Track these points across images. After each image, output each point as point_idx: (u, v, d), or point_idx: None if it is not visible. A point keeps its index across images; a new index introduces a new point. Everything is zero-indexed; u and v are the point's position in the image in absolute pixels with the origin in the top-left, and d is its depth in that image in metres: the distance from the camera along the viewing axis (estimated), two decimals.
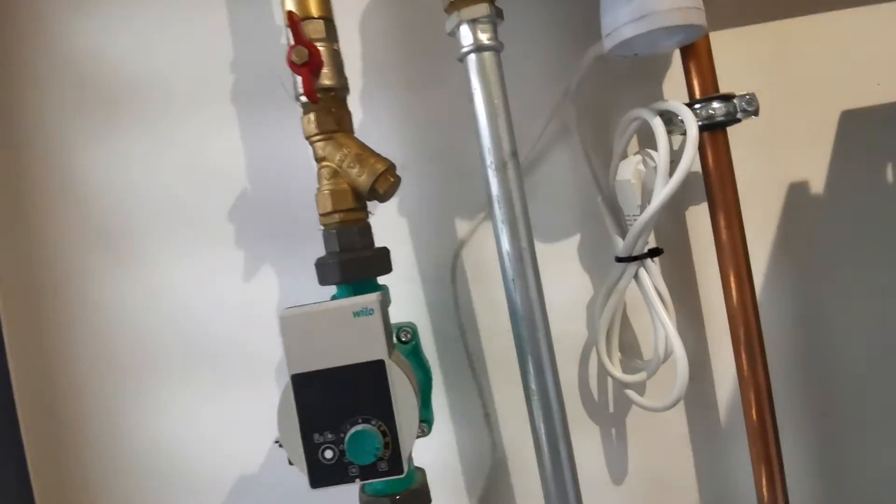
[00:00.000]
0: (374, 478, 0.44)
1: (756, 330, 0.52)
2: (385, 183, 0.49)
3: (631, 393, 0.57)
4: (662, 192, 0.48)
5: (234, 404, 0.61)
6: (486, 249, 0.60)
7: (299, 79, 0.48)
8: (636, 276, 0.54)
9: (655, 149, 0.50)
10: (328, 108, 0.49)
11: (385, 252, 0.51)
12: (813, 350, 0.60)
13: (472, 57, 0.48)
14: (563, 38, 0.59)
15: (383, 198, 0.50)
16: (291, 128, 0.57)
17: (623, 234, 0.55)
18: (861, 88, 0.58)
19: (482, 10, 0.47)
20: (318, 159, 0.50)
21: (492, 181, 0.49)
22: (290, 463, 0.45)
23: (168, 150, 0.60)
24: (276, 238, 0.60)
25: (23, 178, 0.60)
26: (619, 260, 0.54)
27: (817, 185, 0.59)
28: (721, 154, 0.51)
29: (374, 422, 0.44)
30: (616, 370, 0.56)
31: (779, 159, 0.59)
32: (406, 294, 0.60)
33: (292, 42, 0.48)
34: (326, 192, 0.49)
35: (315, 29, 0.49)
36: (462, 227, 0.60)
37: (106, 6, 0.60)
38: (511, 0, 0.50)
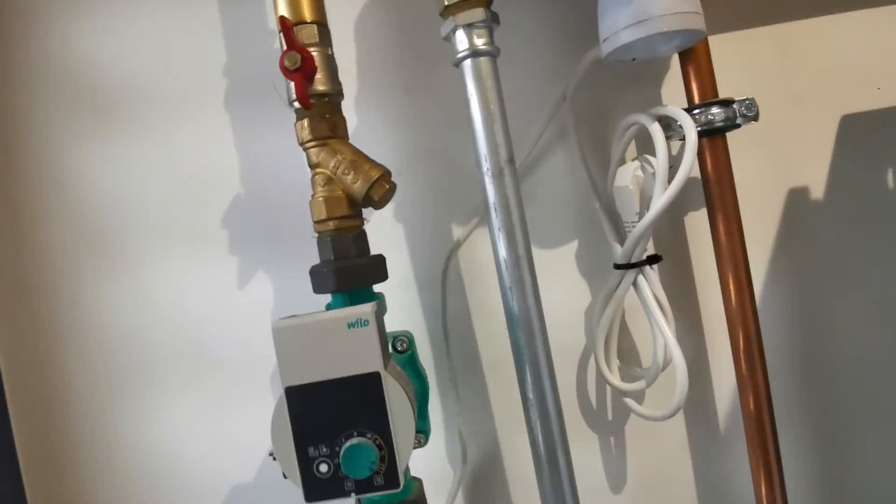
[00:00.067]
0: (370, 492, 0.44)
1: (756, 335, 0.52)
2: (380, 190, 0.48)
3: (630, 401, 0.56)
4: (661, 199, 0.48)
5: (228, 411, 0.60)
6: (482, 254, 0.59)
7: (293, 84, 0.48)
8: (635, 284, 0.53)
9: (654, 154, 0.50)
10: (322, 113, 0.49)
11: (381, 259, 0.51)
12: (812, 354, 0.59)
13: (468, 62, 0.48)
14: (559, 42, 0.58)
15: (378, 205, 0.49)
16: (285, 132, 0.57)
17: (621, 241, 0.54)
18: (861, 92, 0.58)
19: (478, 14, 0.47)
20: (312, 166, 0.49)
21: (488, 188, 0.48)
22: (285, 476, 0.45)
23: (162, 154, 0.60)
24: (270, 244, 0.60)
25: (15, 182, 0.59)
26: (618, 267, 0.54)
27: (817, 189, 0.58)
28: (720, 160, 0.51)
29: (369, 435, 0.43)
30: (615, 379, 0.56)
31: (779, 164, 0.58)
32: (402, 301, 0.60)
33: (285, 47, 0.47)
34: (321, 199, 0.48)
35: (308, 34, 0.48)
36: (458, 232, 0.60)
37: (99, 10, 0.59)
38: (507, 3, 0.49)
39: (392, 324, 0.53)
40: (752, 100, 0.49)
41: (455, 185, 0.59)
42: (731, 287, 0.52)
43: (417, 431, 0.49)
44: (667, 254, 0.57)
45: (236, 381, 0.60)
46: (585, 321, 0.60)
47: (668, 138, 0.50)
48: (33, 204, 0.60)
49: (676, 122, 0.49)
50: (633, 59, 0.51)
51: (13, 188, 0.59)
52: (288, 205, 0.59)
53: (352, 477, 0.43)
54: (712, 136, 0.51)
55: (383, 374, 0.43)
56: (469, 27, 0.47)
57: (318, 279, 0.48)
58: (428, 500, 0.51)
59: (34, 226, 0.60)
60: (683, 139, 0.49)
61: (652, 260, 0.53)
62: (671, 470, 0.60)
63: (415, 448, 0.46)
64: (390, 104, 0.59)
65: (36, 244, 0.60)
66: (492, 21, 0.48)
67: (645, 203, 0.51)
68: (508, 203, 0.48)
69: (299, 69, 0.47)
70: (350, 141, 0.50)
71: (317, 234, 0.49)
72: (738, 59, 0.56)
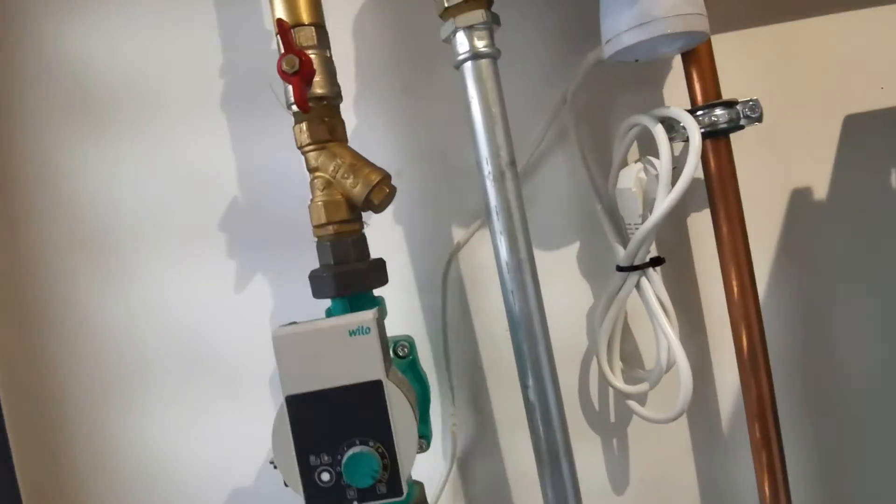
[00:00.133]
0: (373, 500, 0.43)
1: (759, 337, 0.52)
2: (380, 194, 0.48)
3: (633, 404, 0.56)
4: (665, 201, 0.47)
5: (225, 416, 0.60)
6: (482, 256, 0.59)
7: (290, 87, 0.47)
8: (638, 286, 0.53)
9: (656, 155, 0.49)
10: (321, 117, 0.48)
11: (381, 263, 0.50)
12: (816, 356, 0.59)
13: (468, 65, 0.47)
14: (558, 43, 0.58)
15: (378, 209, 0.49)
16: (283, 134, 0.56)
17: (623, 243, 0.54)
18: (864, 92, 0.57)
19: (478, 16, 0.46)
20: (311, 169, 0.49)
21: (490, 191, 0.48)
22: (286, 485, 0.44)
23: (157, 156, 0.59)
24: (268, 247, 0.59)
25: (9, 185, 0.59)
26: (620, 269, 0.53)
27: (820, 190, 0.58)
28: (724, 162, 0.50)
29: (371, 443, 0.43)
30: (618, 381, 0.55)
31: (781, 164, 0.58)
32: (402, 304, 0.59)
33: (283, 50, 0.47)
34: (320, 203, 0.48)
35: (306, 36, 0.47)
36: (459, 234, 0.59)
37: (93, 10, 0.58)
38: (504, 4, 0.48)
39: (392, 327, 0.52)
40: (756, 101, 0.49)
41: (455, 186, 0.58)
42: (735, 288, 0.52)
43: (419, 437, 0.49)
44: (668, 255, 0.57)
45: (231, 386, 0.60)
46: (587, 323, 0.59)
47: (670, 140, 0.49)
48: (27, 206, 0.59)
49: (679, 123, 0.49)
50: (636, 61, 0.50)
51: (6, 189, 0.59)
52: (284, 208, 0.58)
53: (354, 486, 0.43)
54: (716, 138, 0.50)
55: (385, 382, 0.43)
56: (469, 29, 0.46)
57: (318, 284, 0.48)
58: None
59: (28, 227, 0.59)
60: (686, 140, 0.49)
61: (655, 262, 0.53)
62: (674, 471, 0.60)
63: (417, 453, 0.46)
64: (389, 105, 0.58)
65: (29, 246, 0.59)
66: (492, 23, 0.47)
67: (648, 205, 0.51)
68: (510, 206, 0.48)
69: (297, 73, 0.46)
70: (349, 143, 0.50)
71: (316, 239, 0.49)
72: (739, 59, 0.56)
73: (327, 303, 0.50)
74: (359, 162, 0.48)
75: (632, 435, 0.60)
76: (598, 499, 0.60)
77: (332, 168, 0.48)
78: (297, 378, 0.43)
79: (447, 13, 0.47)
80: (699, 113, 0.49)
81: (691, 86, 0.51)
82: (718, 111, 0.49)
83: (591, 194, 0.57)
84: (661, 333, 0.52)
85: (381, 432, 0.43)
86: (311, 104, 0.47)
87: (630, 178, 0.51)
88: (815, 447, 0.60)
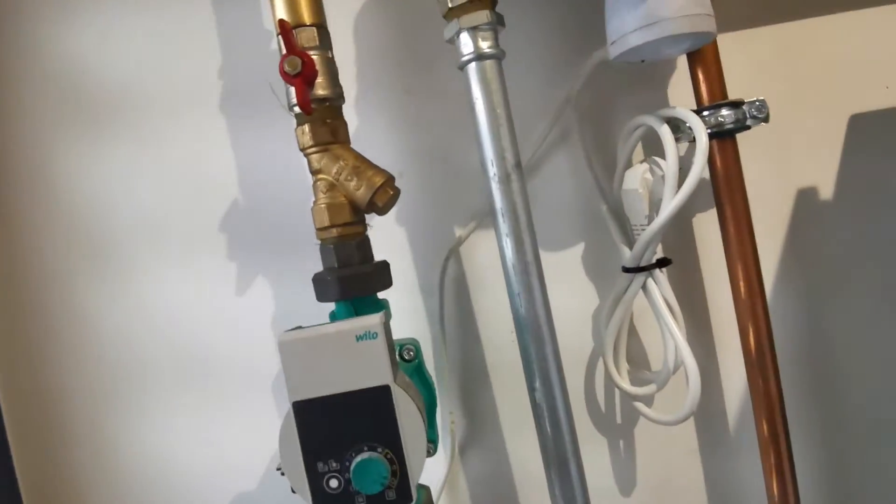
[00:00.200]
0: None
1: (768, 339, 0.51)
2: (384, 196, 0.47)
3: (640, 406, 0.56)
4: (672, 202, 0.47)
5: (225, 419, 0.60)
6: (485, 256, 0.58)
7: (292, 89, 0.47)
8: (644, 287, 0.53)
9: (661, 156, 0.49)
10: (323, 118, 0.48)
11: (385, 266, 0.50)
12: (823, 356, 0.59)
13: (472, 66, 0.47)
14: (560, 43, 0.57)
15: (382, 211, 0.48)
16: (283, 136, 0.56)
17: (629, 244, 0.53)
18: (869, 92, 0.57)
19: (483, 17, 0.46)
20: (314, 172, 0.48)
21: (495, 193, 0.48)
22: (293, 491, 0.44)
23: (156, 158, 0.59)
24: (269, 249, 0.59)
25: (5, 188, 0.58)
26: (627, 270, 0.53)
27: (826, 189, 0.58)
28: (730, 162, 0.50)
29: (380, 449, 0.42)
30: (624, 382, 0.55)
31: (787, 164, 0.58)
32: (405, 306, 0.59)
33: (284, 51, 0.46)
34: (323, 205, 0.47)
35: (308, 37, 0.47)
36: (461, 235, 0.59)
37: (90, 11, 0.58)
38: (506, 4, 0.48)
39: (395, 329, 0.52)
40: (763, 101, 0.48)
41: (458, 187, 0.58)
42: (742, 287, 0.51)
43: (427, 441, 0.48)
44: (674, 256, 0.57)
45: (230, 389, 0.59)
46: (592, 325, 0.59)
47: (676, 140, 0.49)
48: (24, 207, 0.58)
49: (685, 123, 0.49)
50: (642, 61, 0.50)
51: (3, 192, 0.58)
52: (284, 209, 0.58)
53: (363, 492, 0.42)
54: (722, 138, 0.50)
55: (393, 386, 0.43)
56: (474, 30, 0.46)
57: (322, 287, 0.47)
58: None
59: (25, 229, 0.59)
60: (692, 141, 0.49)
61: (661, 263, 0.52)
62: (680, 473, 0.60)
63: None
64: (391, 106, 0.58)
65: (28, 252, 0.59)
66: (497, 23, 0.46)
67: (654, 206, 0.51)
68: (516, 208, 0.47)
69: (300, 74, 0.45)
70: (350, 143, 0.49)
71: (319, 241, 0.48)
72: (744, 59, 0.56)
73: (329, 306, 0.49)
74: (362, 164, 0.48)
75: (638, 436, 0.60)
76: (604, 501, 0.60)
77: (335, 170, 0.47)
78: (303, 383, 0.43)
79: (451, 13, 0.46)
80: (705, 113, 0.49)
81: (697, 86, 0.50)
82: (725, 111, 0.49)
83: (595, 195, 0.56)
84: (668, 335, 0.52)
85: (389, 438, 0.42)
86: (313, 106, 0.47)
87: (636, 178, 0.51)
88: (822, 447, 0.60)
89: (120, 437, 0.60)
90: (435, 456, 0.58)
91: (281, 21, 0.46)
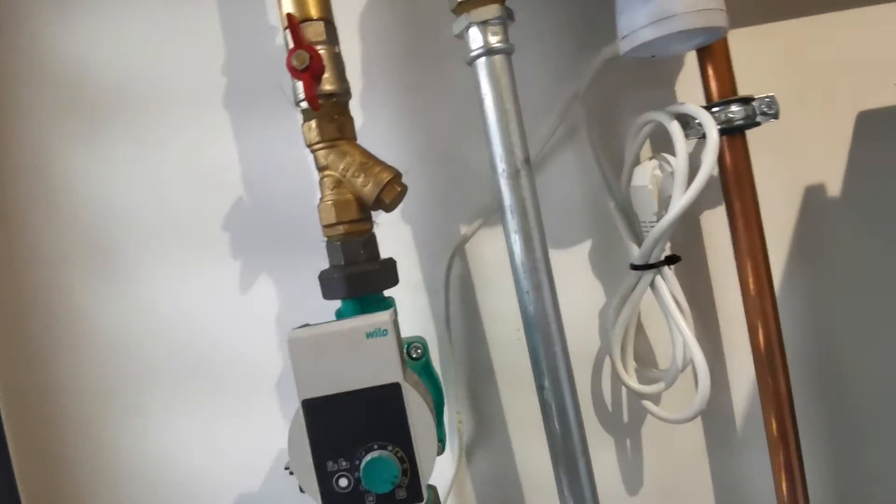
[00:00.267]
0: None
1: (777, 338, 0.51)
2: (392, 192, 0.47)
3: (648, 404, 0.55)
4: (683, 199, 0.47)
5: (227, 420, 0.59)
6: (492, 253, 0.58)
7: (299, 84, 0.46)
8: (652, 285, 0.52)
9: (670, 152, 0.49)
10: (330, 114, 0.47)
11: (391, 263, 0.49)
12: (831, 355, 0.59)
13: (482, 60, 0.46)
14: (568, 39, 0.57)
15: (389, 208, 0.48)
16: (289, 132, 0.55)
17: (638, 241, 0.53)
18: (877, 89, 0.57)
19: (493, 11, 0.45)
20: (321, 168, 0.48)
21: (504, 189, 0.47)
22: (302, 490, 0.43)
23: (158, 156, 0.58)
24: (274, 247, 0.58)
25: (5, 188, 0.58)
26: (635, 268, 0.53)
27: (834, 186, 0.58)
28: (740, 159, 0.50)
29: (390, 448, 0.42)
30: (632, 381, 0.55)
31: (794, 161, 0.58)
32: (411, 304, 0.58)
33: (291, 46, 0.46)
34: (329, 202, 0.47)
35: (315, 31, 0.46)
36: (467, 232, 0.58)
37: (90, 9, 0.57)
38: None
39: (402, 326, 0.51)
40: (773, 97, 0.48)
41: (464, 184, 0.58)
42: (751, 284, 0.51)
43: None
44: (682, 253, 0.56)
45: (233, 389, 0.59)
46: (600, 322, 0.59)
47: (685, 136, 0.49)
48: (23, 207, 0.58)
49: (694, 119, 0.48)
50: (652, 56, 0.49)
51: (2, 192, 0.58)
52: (288, 207, 0.57)
53: (373, 491, 0.42)
54: (732, 135, 0.50)
55: (403, 384, 0.42)
56: (484, 24, 0.46)
57: (329, 285, 0.47)
58: None
59: (24, 229, 0.58)
60: (701, 137, 0.48)
61: (670, 260, 0.52)
62: (688, 472, 0.59)
63: None
64: (396, 102, 0.57)
65: (28, 251, 0.58)
66: (507, 18, 0.46)
67: (663, 203, 0.50)
68: (525, 205, 0.47)
69: (308, 69, 0.45)
70: (357, 140, 0.49)
71: (325, 239, 0.48)
72: (751, 55, 0.55)
73: (334, 303, 0.49)
74: (369, 160, 0.47)
75: (645, 435, 0.59)
76: (612, 500, 0.59)
77: (342, 167, 0.47)
78: (312, 381, 0.42)
79: (461, 8, 0.46)
80: (715, 109, 0.49)
81: (707, 82, 0.50)
82: (734, 108, 0.48)
83: (602, 191, 0.56)
84: (677, 333, 0.52)
85: (399, 436, 0.42)
86: (320, 101, 0.46)
87: (645, 175, 0.51)
88: (831, 446, 0.59)
89: (120, 437, 0.59)
90: (442, 456, 0.58)
91: (289, 15, 0.46)
